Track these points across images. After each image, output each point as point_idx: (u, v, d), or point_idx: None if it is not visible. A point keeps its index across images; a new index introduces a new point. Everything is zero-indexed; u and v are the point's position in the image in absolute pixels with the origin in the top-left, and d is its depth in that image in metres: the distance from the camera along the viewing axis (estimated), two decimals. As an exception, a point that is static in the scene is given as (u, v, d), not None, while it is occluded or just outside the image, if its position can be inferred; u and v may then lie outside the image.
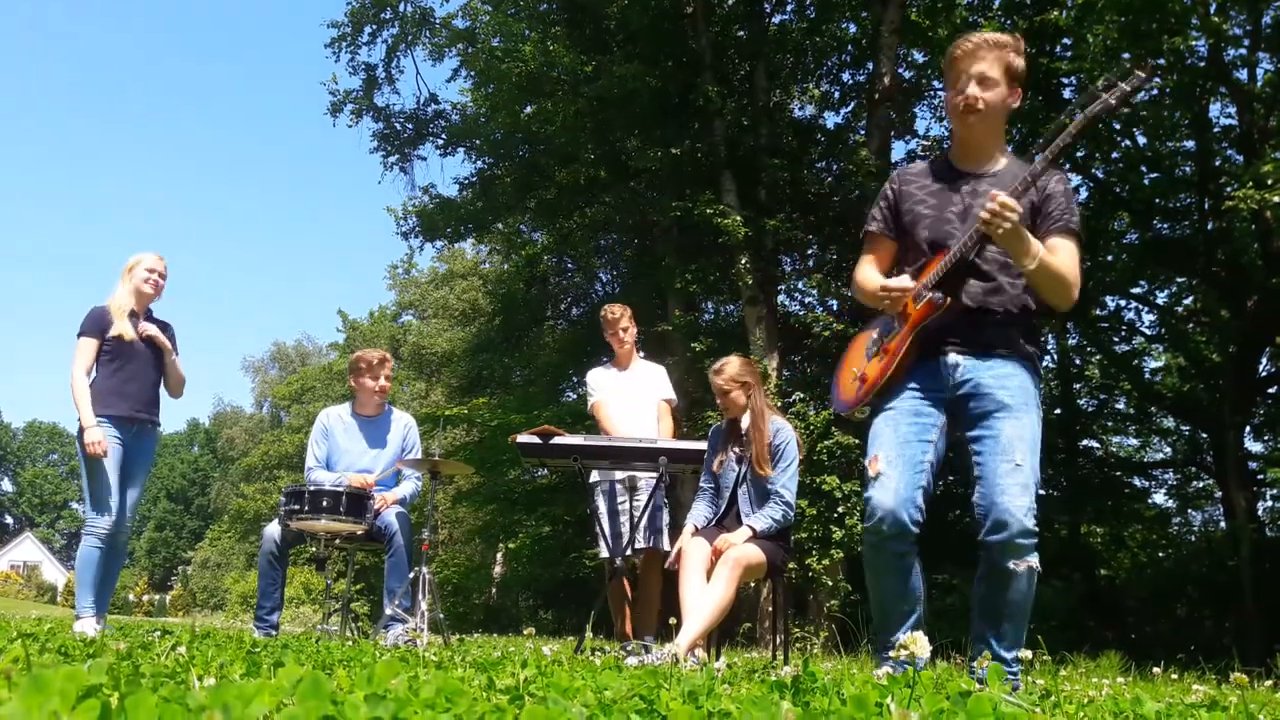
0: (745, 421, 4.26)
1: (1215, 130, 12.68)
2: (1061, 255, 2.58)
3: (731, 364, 4.33)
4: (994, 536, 2.48)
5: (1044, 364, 2.85)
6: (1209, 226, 12.38)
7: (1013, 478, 2.48)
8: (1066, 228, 2.62)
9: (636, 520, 5.02)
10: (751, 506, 4.15)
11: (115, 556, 4.97)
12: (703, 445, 4.56)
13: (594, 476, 5.25)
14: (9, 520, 70.31)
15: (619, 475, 5.19)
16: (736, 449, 4.28)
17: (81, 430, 4.79)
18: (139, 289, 4.99)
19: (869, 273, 2.84)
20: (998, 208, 2.44)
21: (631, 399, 5.41)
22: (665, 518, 5.23)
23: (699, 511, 4.30)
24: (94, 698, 0.82)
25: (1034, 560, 2.47)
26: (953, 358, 2.63)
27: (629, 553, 5.06)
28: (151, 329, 4.99)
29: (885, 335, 2.76)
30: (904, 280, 2.66)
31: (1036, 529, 2.46)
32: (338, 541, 4.95)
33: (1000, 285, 2.63)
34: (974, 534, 2.57)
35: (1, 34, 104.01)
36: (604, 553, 5.13)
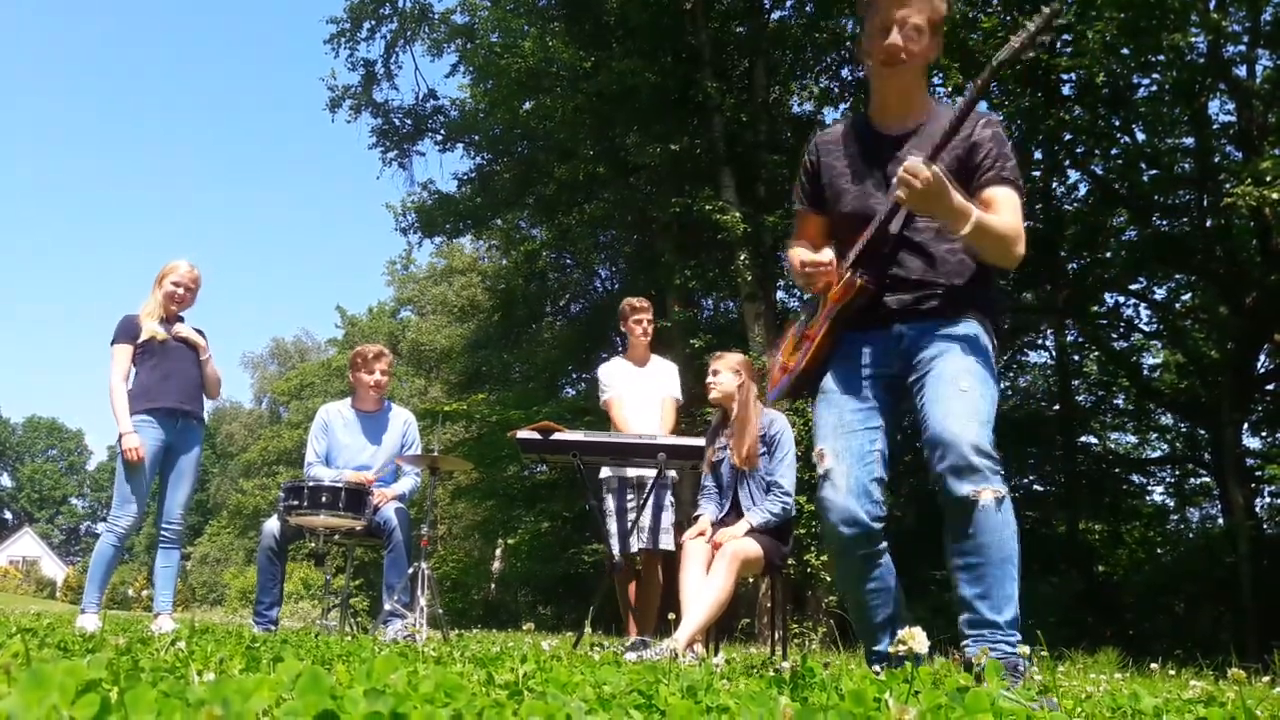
0: (733, 412, 4.27)
1: (1214, 127, 12.68)
2: (1001, 210, 2.32)
3: (730, 354, 4.38)
4: (943, 464, 2.17)
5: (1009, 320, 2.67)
6: (1208, 223, 12.38)
7: (958, 401, 2.21)
8: (1000, 177, 2.37)
9: (637, 517, 5.01)
10: (751, 501, 4.16)
11: (169, 553, 5.06)
12: (701, 442, 4.56)
13: (604, 472, 5.24)
14: (8, 515, 70.34)
15: (630, 473, 5.18)
16: (728, 443, 4.28)
17: (120, 436, 4.87)
18: (166, 301, 5.09)
19: (795, 251, 2.61)
20: (906, 176, 2.19)
21: (645, 396, 5.37)
22: (670, 518, 5.21)
23: (706, 508, 4.31)
24: (93, 692, 0.82)
25: (999, 487, 2.15)
26: (897, 329, 2.42)
27: (632, 551, 5.06)
28: (185, 330, 5.11)
29: (809, 320, 2.57)
30: (824, 255, 2.44)
31: (994, 453, 2.17)
32: (336, 537, 4.95)
33: (937, 257, 2.40)
34: None
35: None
36: (615, 550, 5.09)
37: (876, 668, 2.35)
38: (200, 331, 5.23)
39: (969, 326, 2.39)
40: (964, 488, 2.15)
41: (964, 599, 2.20)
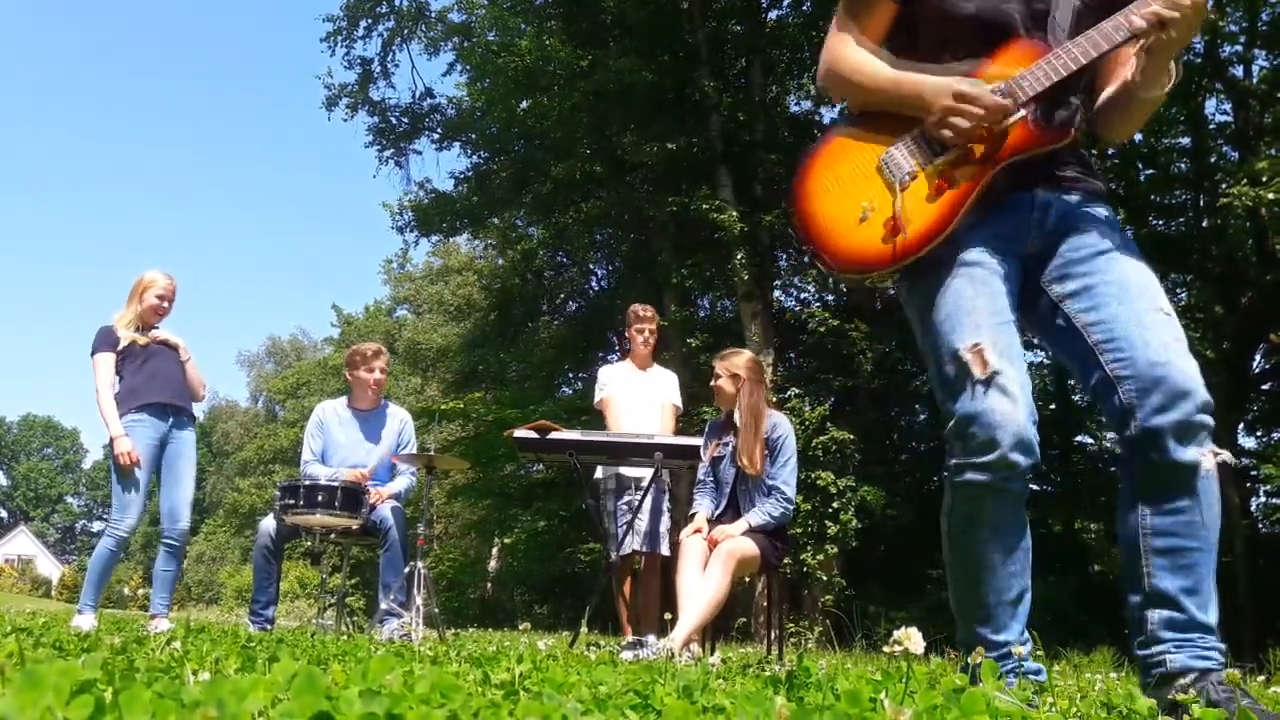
0: (735, 416, 4.27)
1: (1211, 127, 12.72)
2: None
3: (735, 356, 4.37)
4: (1166, 416, 1.63)
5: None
6: (1204, 223, 12.41)
7: (1169, 328, 1.67)
8: None
9: (633, 517, 5.02)
10: (751, 502, 4.16)
11: (172, 558, 5.13)
12: (698, 441, 4.56)
13: (600, 472, 5.25)
14: (3, 514, 70.25)
15: (626, 473, 5.18)
16: (733, 443, 4.28)
17: (112, 441, 4.90)
18: (150, 314, 5.14)
19: (861, 56, 1.89)
20: None
21: (642, 399, 5.39)
22: (666, 522, 5.22)
23: (702, 503, 4.31)
24: (88, 693, 0.82)
25: (1220, 450, 1.66)
26: (1042, 196, 1.81)
27: (628, 552, 5.06)
28: (162, 333, 5.16)
29: (936, 157, 1.78)
30: (982, 89, 1.71)
31: None
32: (333, 536, 4.95)
33: (1073, 107, 1.84)
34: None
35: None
36: (612, 550, 5.10)
37: (1003, 660, 1.77)
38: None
39: (1113, 215, 1.87)
40: (1189, 451, 1.64)
41: (1162, 593, 1.67)
